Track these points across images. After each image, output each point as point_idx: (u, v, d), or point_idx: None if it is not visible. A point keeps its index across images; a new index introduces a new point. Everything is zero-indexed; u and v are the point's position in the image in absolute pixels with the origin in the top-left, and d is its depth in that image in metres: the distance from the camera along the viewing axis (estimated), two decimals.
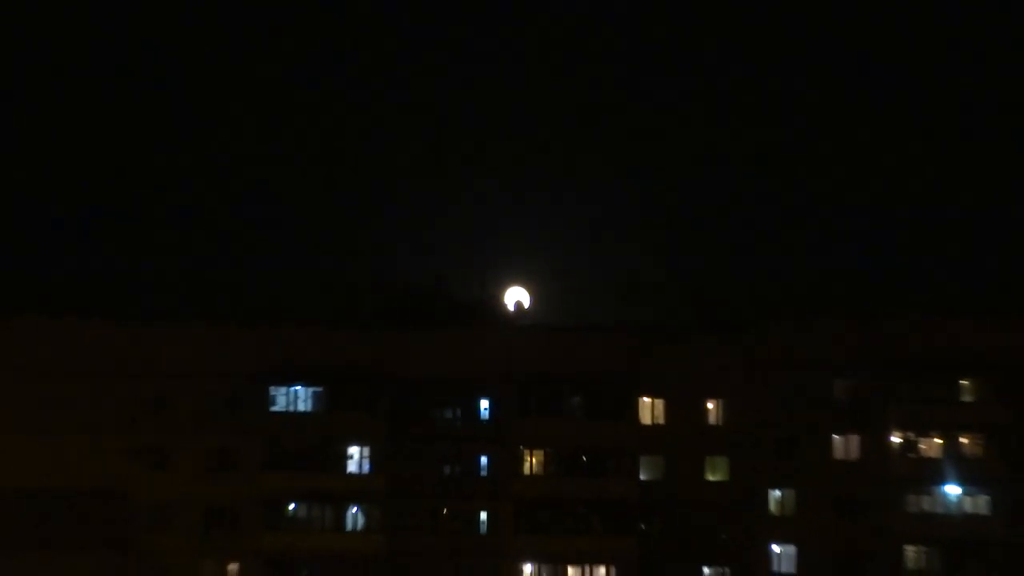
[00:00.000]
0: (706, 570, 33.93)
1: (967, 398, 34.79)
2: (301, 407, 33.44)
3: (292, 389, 33.51)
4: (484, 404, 33.93)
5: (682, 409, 34.23)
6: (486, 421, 33.77)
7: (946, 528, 33.90)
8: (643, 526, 33.49)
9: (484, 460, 33.70)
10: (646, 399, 34.13)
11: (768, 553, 34.00)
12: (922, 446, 34.70)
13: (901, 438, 34.62)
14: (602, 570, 33.48)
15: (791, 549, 34.06)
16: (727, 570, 33.86)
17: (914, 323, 34.60)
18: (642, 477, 33.78)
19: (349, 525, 33.39)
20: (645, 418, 34.23)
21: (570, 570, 33.53)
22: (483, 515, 33.48)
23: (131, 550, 32.48)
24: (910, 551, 34.01)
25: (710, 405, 34.47)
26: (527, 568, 33.50)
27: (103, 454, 32.46)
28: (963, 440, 34.59)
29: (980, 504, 34.32)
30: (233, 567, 33.16)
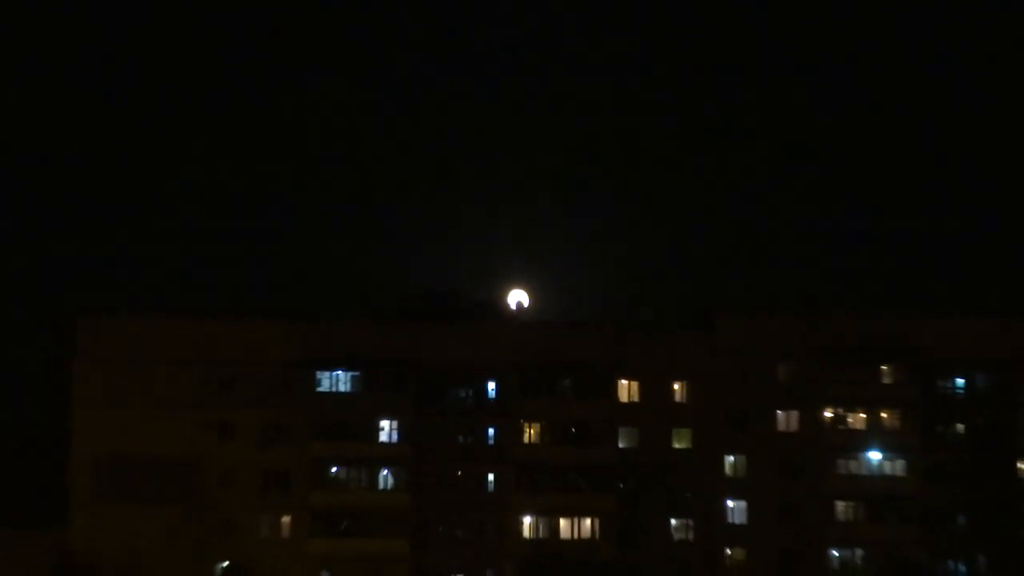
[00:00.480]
0: (673, 521, 41.10)
1: (886, 380, 42.13)
2: (342, 388, 40.48)
3: (334, 373, 40.54)
4: (491, 386, 41.01)
5: (654, 389, 41.46)
6: (493, 400, 40.90)
7: (869, 487, 41.27)
8: (621, 485, 40.61)
9: (491, 432, 40.85)
10: (623, 381, 41.37)
11: (724, 507, 41.29)
12: (850, 420, 42.04)
13: (833, 413, 41.94)
14: (588, 522, 40.61)
15: (742, 504, 41.35)
16: (690, 521, 41.06)
17: (842, 318, 41.92)
18: (620, 445, 40.96)
19: (381, 485, 40.45)
20: (623, 397, 41.47)
21: (562, 522, 40.64)
22: (490, 476, 40.62)
23: (202, 506, 39.37)
24: (839, 505, 41.33)
25: (676, 386, 41.71)
26: (526, 519, 40.62)
27: (181, 427, 39.39)
28: (883, 415, 41.94)
29: (897, 467, 41.69)
30: (286, 520, 40.17)
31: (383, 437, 40.54)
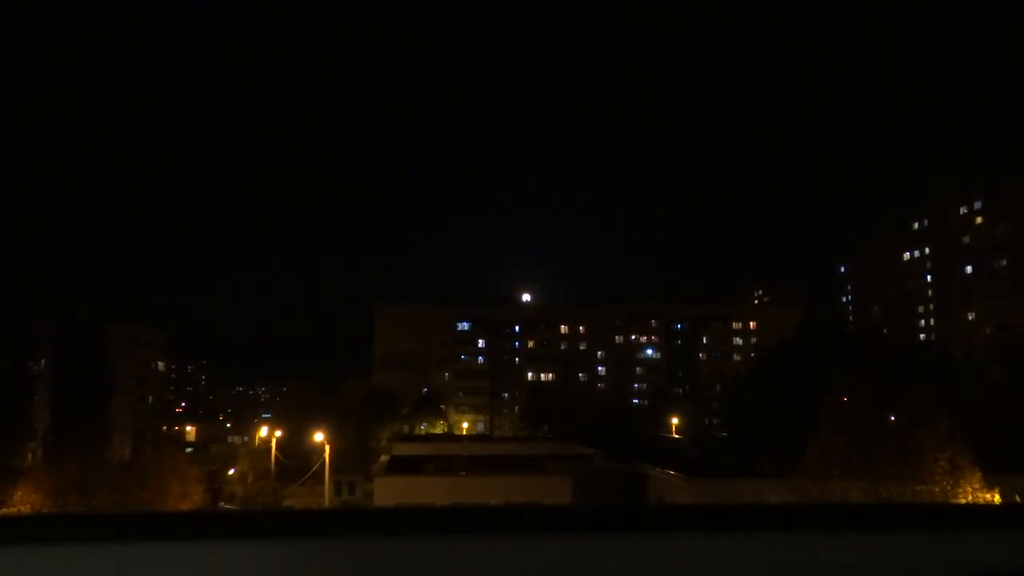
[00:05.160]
0: (580, 375, 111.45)
1: (653, 325, 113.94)
2: (465, 328, 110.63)
3: (462, 323, 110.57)
4: (517, 327, 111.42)
5: (572, 328, 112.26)
6: (518, 331, 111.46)
7: (647, 362, 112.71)
8: (562, 363, 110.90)
9: (516, 344, 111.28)
10: (563, 325, 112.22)
11: (598, 371, 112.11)
12: (641, 339, 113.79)
13: (635, 337, 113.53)
14: (551, 375, 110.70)
15: (605, 369, 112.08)
16: (586, 375, 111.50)
17: (639, 302, 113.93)
18: (562, 348, 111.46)
19: (479, 362, 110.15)
20: (564, 331, 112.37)
21: (542, 375, 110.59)
22: (516, 359, 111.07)
23: (418, 370, 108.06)
24: (637, 369, 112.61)
25: (581, 327, 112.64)
26: (529, 374, 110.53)
27: (411, 342, 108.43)
28: (653, 338, 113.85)
29: (656, 358, 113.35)
30: (446, 375, 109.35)
31: (480, 345, 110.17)
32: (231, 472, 61.53)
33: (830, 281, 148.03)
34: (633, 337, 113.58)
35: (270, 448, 58.71)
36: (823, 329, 52.84)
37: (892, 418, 24.47)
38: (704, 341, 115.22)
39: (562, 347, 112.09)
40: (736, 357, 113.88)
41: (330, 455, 49.13)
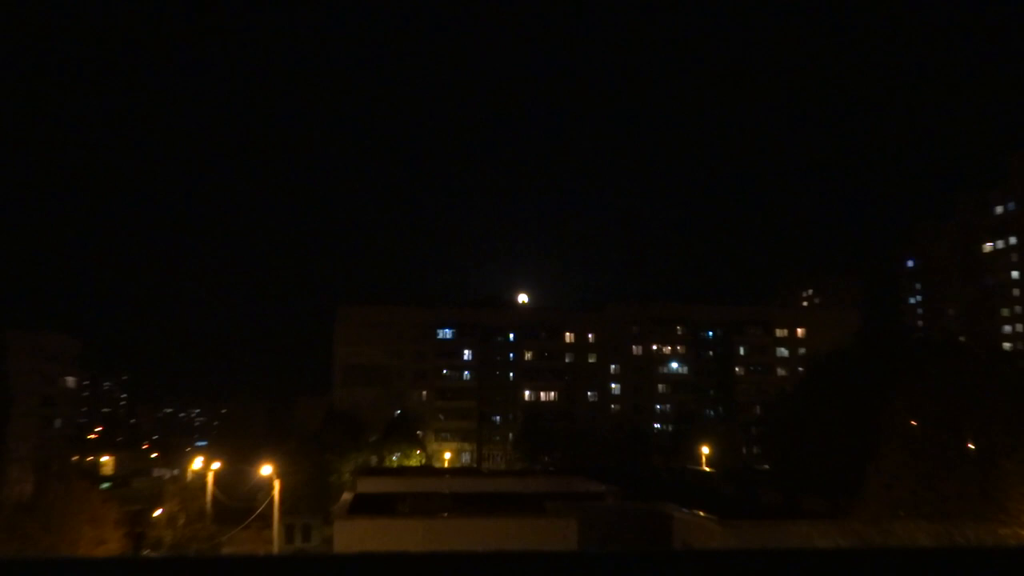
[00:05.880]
0: (589, 393, 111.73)
1: (679, 333, 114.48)
2: (448, 336, 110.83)
3: (444, 330, 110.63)
4: (511, 335, 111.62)
5: (579, 336, 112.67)
6: (512, 340, 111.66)
7: (672, 377, 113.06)
8: (566, 377, 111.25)
9: (511, 355, 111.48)
10: (568, 332, 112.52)
11: (610, 387, 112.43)
12: (664, 349, 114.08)
13: (656, 346, 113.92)
14: (552, 394, 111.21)
15: (619, 385, 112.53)
16: (597, 393, 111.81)
17: (660, 304, 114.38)
18: (566, 360, 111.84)
19: (464, 377, 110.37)
20: (568, 340, 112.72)
21: (541, 393, 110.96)
22: (511, 374, 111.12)
23: (388, 387, 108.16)
24: (659, 385, 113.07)
25: (590, 336, 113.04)
26: (526, 392, 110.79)
27: (381, 353, 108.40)
28: (678, 347, 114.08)
29: (683, 369, 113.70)
30: (425, 392, 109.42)
31: (466, 356, 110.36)
32: (157, 513, 61.44)
33: (894, 278, 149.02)
34: (654, 347, 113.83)
35: (205, 483, 58.66)
36: (885, 336, 53.22)
37: (970, 445, 24.62)
38: (741, 352, 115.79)
39: (567, 359, 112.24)
40: (780, 371, 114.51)
41: (280, 492, 49.12)
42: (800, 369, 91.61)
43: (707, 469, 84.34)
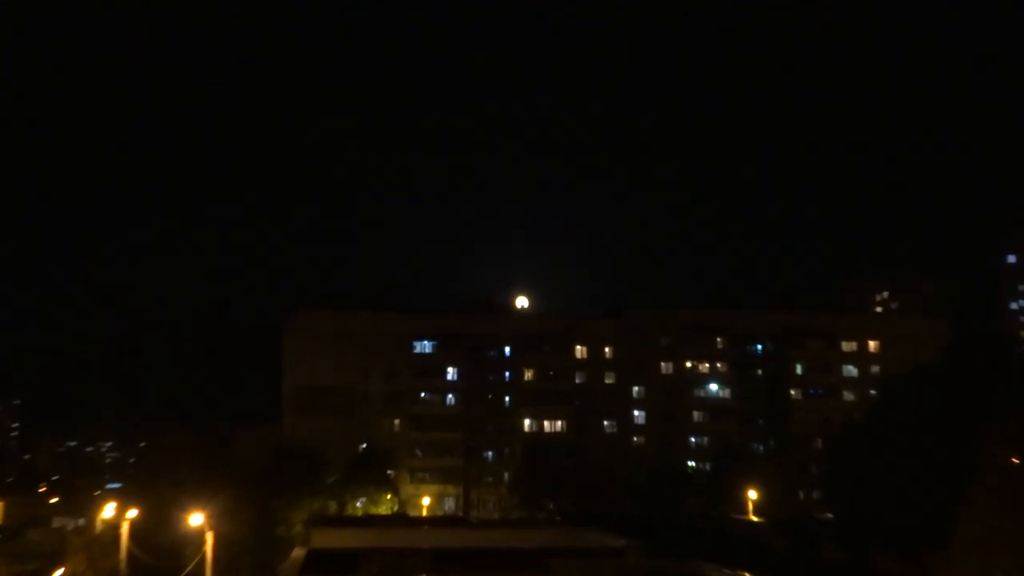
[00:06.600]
0: (605, 422, 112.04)
1: (719, 346, 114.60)
2: (427, 350, 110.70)
3: (422, 342, 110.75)
4: (507, 349, 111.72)
5: (594, 351, 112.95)
6: (508, 356, 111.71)
7: (710, 403, 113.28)
8: (576, 403, 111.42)
9: (507, 374, 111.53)
10: (579, 346, 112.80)
11: (632, 415, 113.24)
12: (700, 367, 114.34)
13: (691, 363, 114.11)
14: (559, 423, 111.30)
15: (643, 412, 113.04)
16: (615, 422, 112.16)
17: (690, 310, 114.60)
18: (576, 381, 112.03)
19: (448, 402, 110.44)
20: (578, 355, 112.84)
21: (545, 422, 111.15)
22: (507, 398, 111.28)
23: (352, 414, 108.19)
24: (695, 413, 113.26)
25: (607, 349, 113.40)
26: (526, 421, 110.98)
27: (342, 371, 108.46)
28: (717, 364, 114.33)
29: (725, 393, 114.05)
30: (397, 422, 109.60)
31: (449, 376, 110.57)
32: (58, 574, 61.12)
33: (991, 277, 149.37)
34: (687, 364, 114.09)
35: (119, 536, 58.54)
36: (981, 350, 53.25)
37: None
38: (797, 370, 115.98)
39: (577, 379, 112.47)
40: (847, 395, 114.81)
41: (214, 548, 49.07)
42: (872, 392, 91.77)
43: (755, 518, 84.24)
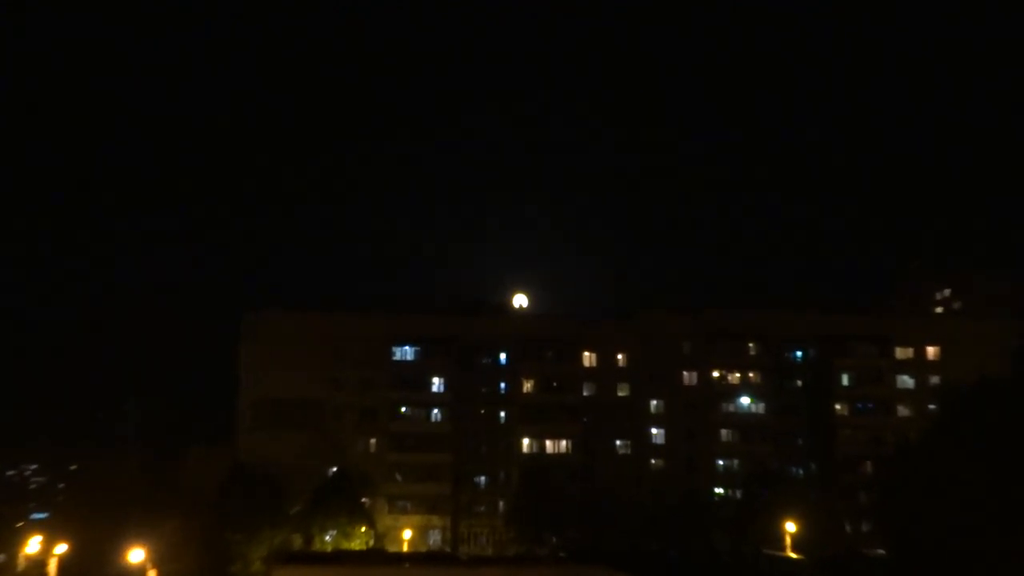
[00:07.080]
0: (618, 442, 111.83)
1: (752, 353, 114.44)
2: (409, 357, 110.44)
3: (403, 347, 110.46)
4: (503, 356, 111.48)
5: (604, 358, 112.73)
6: (504, 364, 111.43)
7: (741, 419, 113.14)
8: (584, 419, 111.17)
9: (503, 385, 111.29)
10: (587, 352, 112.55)
11: (649, 433, 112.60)
12: (729, 378, 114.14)
13: (718, 373, 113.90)
14: (563, 442, 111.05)
15: (662, 430, 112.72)
16: (629, 441, 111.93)
17: (717, 312, 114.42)
18: (584, 393, 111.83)
19: (433, 418, 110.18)
20: (586, 363, 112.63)
21: (547, 442, 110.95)
22: (502, 413, 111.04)
23: (321, 432, 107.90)
24: (722, 431, 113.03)
25: (620, 356, 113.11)
26: (525, 440, 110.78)
27: (309, 382, 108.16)
28: (749, 375, 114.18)
29: (758, 407, 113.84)
30: (373, 441, 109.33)
31: (435, 387, 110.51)
32: None
33: None
34: (715, 374, 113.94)
35: (46, 574, 58.34)
36: None
37: None
38: (844, 381, 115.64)
39: (585, 391, 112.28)
40: (902, 411, 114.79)
41: None
42: (931, 407, 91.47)
43: (793, 555, 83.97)
